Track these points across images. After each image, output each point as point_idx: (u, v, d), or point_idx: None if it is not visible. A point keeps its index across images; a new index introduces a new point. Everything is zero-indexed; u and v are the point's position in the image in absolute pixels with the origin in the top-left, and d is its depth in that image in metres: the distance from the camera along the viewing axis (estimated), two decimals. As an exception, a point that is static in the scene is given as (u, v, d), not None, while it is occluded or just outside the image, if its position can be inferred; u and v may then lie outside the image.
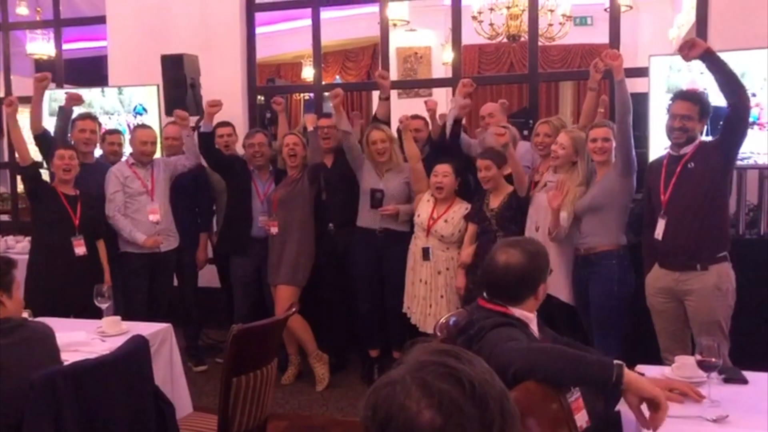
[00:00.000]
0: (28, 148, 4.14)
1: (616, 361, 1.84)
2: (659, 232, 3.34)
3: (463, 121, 4.54)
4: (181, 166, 4.61)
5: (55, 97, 5.27)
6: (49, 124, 4.69)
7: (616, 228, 3.57)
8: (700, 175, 3.26)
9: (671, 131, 3.32)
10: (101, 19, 6.02)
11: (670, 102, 3.38)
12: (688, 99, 3.31)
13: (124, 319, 3.25)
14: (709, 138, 3.47)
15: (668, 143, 3.43)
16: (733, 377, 2.38)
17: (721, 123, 3.35)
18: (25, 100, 4.63)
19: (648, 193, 3.52)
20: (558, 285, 3.66)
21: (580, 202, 3.61)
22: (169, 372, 3.19)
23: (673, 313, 3.37)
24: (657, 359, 3.25)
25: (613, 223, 3.56)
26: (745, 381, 2.38)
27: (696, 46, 3.17)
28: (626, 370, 1.83)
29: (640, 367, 2.38)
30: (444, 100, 6.98)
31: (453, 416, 0.92)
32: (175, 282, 4.79)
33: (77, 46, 8.54)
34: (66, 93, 4.85)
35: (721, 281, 3.24)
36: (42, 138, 4.42)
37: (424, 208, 4.15)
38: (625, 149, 3.48)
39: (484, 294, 2.17)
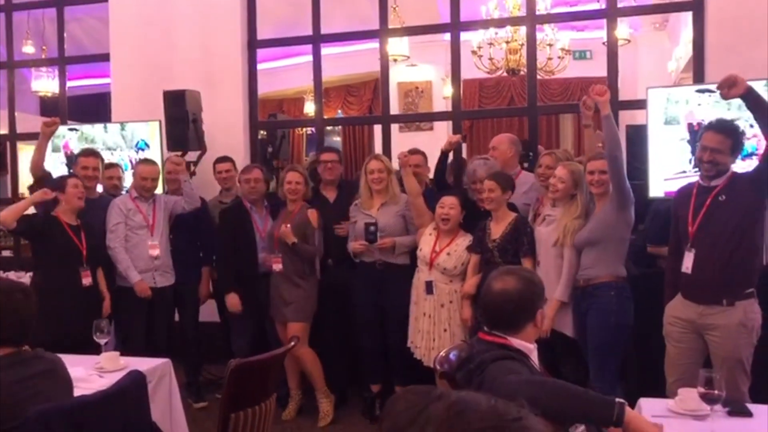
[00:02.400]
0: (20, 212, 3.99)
1: (617, 399, 1.83)
2: (687, 264, 3.20)
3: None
4: (180, 208, 4.63)
5: (57, 133, 5.30)
6: (50, 160, 4.72)
7: (614, 260, 3.55)
8: (731, 209, 3.11)
9: (700, 163, 3.21)
10: (105, 57, 6.10)
11: (703, 131, 3.23)
12: (721, 131, 3.13)
13: (122, 354, 3.23)
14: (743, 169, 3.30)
15: (667, 174, 3.43)
16: (737, 410, 2.35)
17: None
18: (29, 136, 4.65)
19: (675, 222, 3.37)
20: (561, 319, 3.64)
21: (579, 236, 3.59)
22: (168, 408, 3.14)
23: (689, 345, 3.22)
24: (659, 392, 3.18)
25: (611, 256, 3.54)
26: (749, 414, 2.35)
27: (736, 85, 3.01)
28: (627, 409, 1.81)
29: (642, 401, 2.36)
30: (445, 134, 7.07)
31: None
32: (176, 317, 4.77)
33: (81, 83, 8.66)
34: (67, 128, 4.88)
35: (746, 318, 3.10)
36: (43, 181, 4.43)
37: (426, 242, 4.13)
38: (618, 184, 3.44)
39: (484, 327, 2.16)
